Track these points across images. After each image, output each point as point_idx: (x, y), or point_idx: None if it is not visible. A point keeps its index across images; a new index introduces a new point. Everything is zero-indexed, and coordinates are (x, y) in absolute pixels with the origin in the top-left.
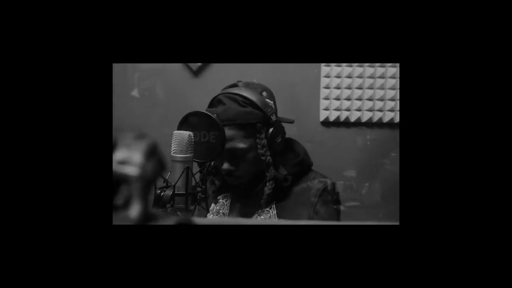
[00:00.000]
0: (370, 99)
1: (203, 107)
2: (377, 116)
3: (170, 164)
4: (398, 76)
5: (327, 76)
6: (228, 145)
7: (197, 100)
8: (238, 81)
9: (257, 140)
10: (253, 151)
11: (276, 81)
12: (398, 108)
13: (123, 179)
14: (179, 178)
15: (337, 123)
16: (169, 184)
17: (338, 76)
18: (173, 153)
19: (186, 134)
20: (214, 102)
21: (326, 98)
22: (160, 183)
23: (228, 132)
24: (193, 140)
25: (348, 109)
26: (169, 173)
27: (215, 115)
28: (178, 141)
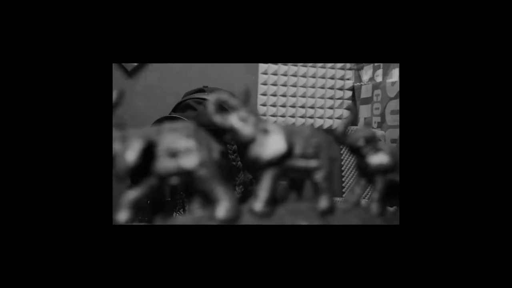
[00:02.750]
0: (302, 107)
1: (138, 110)
2: (308, 122)
3: None
4: (327, 87)
5: (264, 84)
6: None
7: (130, 100)
8: (204, 86)
9: (228, 146)
10: (223, 157)
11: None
12: (327, 115)
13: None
14: None
15: None
16: None
17: (274, 84)
18: None
19: None
20: (182, 107)
21: (264, 105)
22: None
23: None
24: None
25: (283, 115)
26: None
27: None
28: None
